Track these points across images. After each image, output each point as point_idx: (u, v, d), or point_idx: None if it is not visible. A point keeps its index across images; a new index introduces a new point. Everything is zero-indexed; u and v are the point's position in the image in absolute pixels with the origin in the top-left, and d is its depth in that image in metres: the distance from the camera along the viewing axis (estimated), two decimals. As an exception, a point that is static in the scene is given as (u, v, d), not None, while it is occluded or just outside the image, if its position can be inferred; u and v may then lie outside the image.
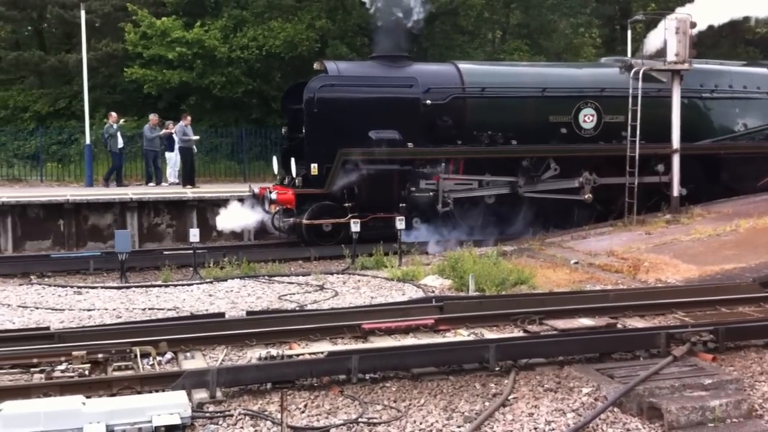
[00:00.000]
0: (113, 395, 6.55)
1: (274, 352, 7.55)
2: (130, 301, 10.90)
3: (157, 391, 6.63)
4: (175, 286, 11.90)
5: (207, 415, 6.23)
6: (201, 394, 6.53)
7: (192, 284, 11.99)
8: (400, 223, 13.90)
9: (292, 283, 12.12)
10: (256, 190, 15.97)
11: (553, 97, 16.49)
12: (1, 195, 17.21)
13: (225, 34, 26.04)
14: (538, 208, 16.37)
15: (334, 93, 15.06)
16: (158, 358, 7.65)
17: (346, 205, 14.89)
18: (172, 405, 6.01)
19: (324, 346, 8.07)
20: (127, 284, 12.07)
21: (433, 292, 11.19)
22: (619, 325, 8.86)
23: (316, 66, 16.59)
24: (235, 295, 11.17)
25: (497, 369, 7.16)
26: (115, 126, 20.80)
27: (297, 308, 10.28)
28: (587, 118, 16.64)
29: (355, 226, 13.74)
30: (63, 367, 7.24)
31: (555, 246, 14.60)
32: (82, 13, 22.83)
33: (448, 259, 12.24)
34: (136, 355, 7.54)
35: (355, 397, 6.61)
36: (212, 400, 6.47)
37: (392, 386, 6.85)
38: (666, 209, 16.51)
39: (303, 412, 6.33)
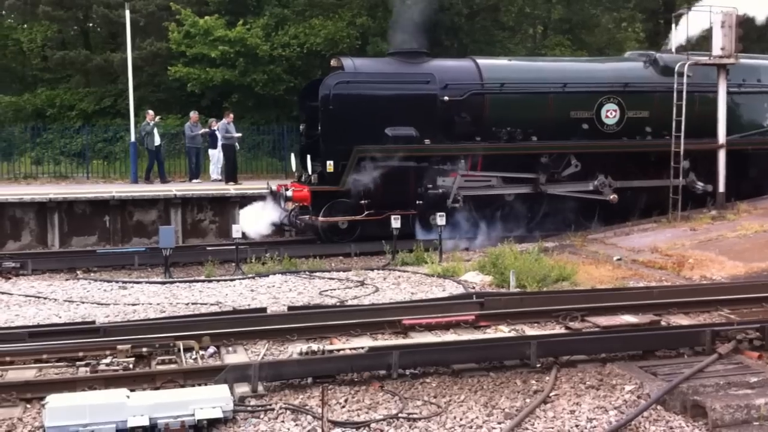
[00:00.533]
0: (157, 389, 6.66)
1: (315, 347, 7.62)
2: (174, 295, 11.05)
3: (199, 384, 6.70)
4: (218, 281, 12.04)
5: (248, 409, 6.29)
6: (243, 388, 6.59)
7: (234, 279, 12.12)
8: (441, 219, 13.83)
9: (333, 278, 12.17)
10: (274, 188, 15.86)
11: (574, 92, 16.03)
12: (48, 191, 17.55)
13: (267, 32, 26.22)
14: (559, 206, 16.03)
15: (350, 90, 14.89)
16: (201, 352, 7.75)
17: (362, 202, 14.71)
18: (215, 399, 6.09)
19: (364, 342, 8.11)
20: (170, 279, 12.21)
21: (474, 288, 11.16)
22: (663, 323, 8.75)
23: (332, 63, 16.43)
24: (276, 291, 11.26)
25: (538, 366, 7.12)
26: (151, 124, 21.01)
27: (338, 304, 10.31)
28: (610, 114, 16.21)
29: (396, 222, 13.73)
30: (108, 360, 7.36)
31: (597, 242, 14.45)
32: (127, 12, 23.16)
33: (489, 255, 12.18)
34: (179, 349, 7.65)
35: (395, 392, 6.61)
36: (254, 394, 6.53)
37: (432, 382, 6.85)
38: (711, 205, 16.22)
39: (343, 407, 6.35)
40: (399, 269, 12.84)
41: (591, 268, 12.04)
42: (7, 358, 7.45)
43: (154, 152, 21.11)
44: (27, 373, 7.23)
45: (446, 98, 15.28)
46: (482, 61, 16.42)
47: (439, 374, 7.01)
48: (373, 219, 14.65)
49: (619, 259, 12.76)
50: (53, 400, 5.96)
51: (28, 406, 6.40)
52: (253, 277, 12.22)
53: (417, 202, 14.93)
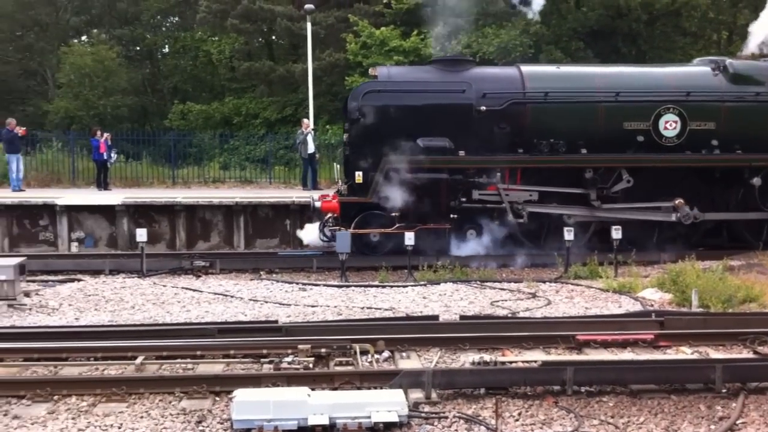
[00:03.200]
0: (335, 389, 6.90)
1: (487, 357, 7.61)
2: (350, 299, 11.40)
3: (374, 387, 6.91)
4: (391, 287, 12.29)
5: (422, 415, 6.39)
6: (416, 394, 6.71)
7: (407, 286, 12.34)
8: (616, 233, 13.45)
9: (504, 289, 12.12)
10: (316, 197, 15.44)
11: (628, 101, 14.76)
12: (234, 195, 18.58)
13: (440, 42, 26.48)
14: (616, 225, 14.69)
15: (380, 99, 14.45)
16: (376, 356, 7.96)
17: (393, 215, 14.16)
18: (390, 402, 6.24)
19: (537, 355, 8.03)
20: (346, 283, 12.62)
21: (652, 305, 10.76)
22: None
23: (371, 72, 16.05)
24: (448, 299, 11.36)
25: (724, 391, 6.78)
26: (305, 132, 21.51)
27: (509, 315, 10.27)
28: (669, 125, 14.76)
29: (569, 235, 13.48)
30: (290, 359, 7.71)
31: (789, 262, 13.53)
32: (308, 25, 24.14)
33: (669, 272, 11.70)
34: (355, 352, 7.90)
35: (570, 409, 6.51)
36: (427, 401, 6.63)
37: (609, 401, 6.68)
38: None
39: (517, 420, 6.32)
40: (572, 282, 12.60)
41: (782, 290, 11.28)
42: (198, 352, 7.98)
43: (308, 160, 21.70)
44: (216, 367, 7.71)
45: (483, 108, 14.46)
46: (527, 69, 15.36)
47: (616, 393, 6.83)
48: (401, 232, 13.95)
49: (814, 281, 11.89)
50: (240, 394, 6.31)
51: (217, 398, 6.81)
52: (425, 285, 12.39)
53: (451, 215, 14.29)
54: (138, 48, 38.65)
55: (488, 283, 12.50)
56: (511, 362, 7.73)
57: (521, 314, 10.33)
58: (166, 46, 38.61)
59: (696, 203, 14.84)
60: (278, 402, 6.16)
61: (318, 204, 14.68)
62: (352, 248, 13.50)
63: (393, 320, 9.62)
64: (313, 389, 6.59)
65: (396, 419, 6.13)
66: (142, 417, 6.41)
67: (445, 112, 14.50)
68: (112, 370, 7.64)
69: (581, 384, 6.87)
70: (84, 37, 39.27)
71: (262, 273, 13.53)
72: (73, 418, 6.34)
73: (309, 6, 24.12)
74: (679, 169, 14.92)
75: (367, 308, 10.71)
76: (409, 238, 13.26)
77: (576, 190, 14.77)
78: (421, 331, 8.70)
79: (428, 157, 14.26)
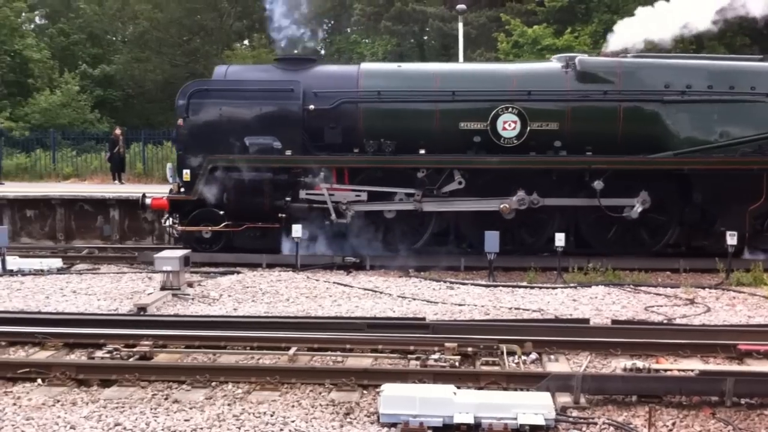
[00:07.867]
0: (480, 388, 6.89)
1: (640, 364, 7.36)
2: (497, 299, 11.32)
3: (520, 389, 6.84)
4: (540, 288, 12.11)
5: (570, 419, 6.26)
6: (564, 398, 6.58)
7: (556, 287, 12.12)
8: (731, 239, 12.68)
9: (660, 294, 11.68)
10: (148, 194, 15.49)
11: (463, 101, 14.06)
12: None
13: (594, 40, 25.83)
14: (447, 224, 14.45)
15: (208, 98, 14.42)
16: (523, 358, 7.89)
17: (221, 213, 14.23)
18: (537, 405, 6.15)
19: (694, 364, 7.69)
20: (494, 283, 12.55)
21: (824, 316, 10.07)
22: None
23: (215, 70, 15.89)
24: (599, 302, 11.06)
25: None
26: None
27: (665, 321, 9.88)
28: (508, 126, 13.93)
29: (732, 239, 12.81)
30: (436, 356, 7.76)
31: None
32: (460, 25, 24.18)
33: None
34: (502, 352, 7.85)
35: (728, 421, 6.20)
36: (575, 406, 6.49)
37: (772, 415, 6.31)
38: None
39: (670, 430, 6.09)
40: (734, 289, 11.97)
41: None
42: (348, 346, 8.18)
43: None
44: (364, 361, 7.87)
45: (312, 107, 14.19)
46: (364, 67, 15.02)
47: (779, 407, 6.44)
48: (227, 230, 14.22)
49: None
50: (388, 389, 6.40)
51: (365, 392, 6.94)
52: (575, 287, 12.12)
53: (279, 215, 14.06)
54: (295, 51, 39.93)
55: (642, 288, 12.09)
56: (666, 370, 7.44)
57: (678, 321, 9.92)
58: (322, 48, 39.73)
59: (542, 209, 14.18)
60: (424, 398, 6.20)
61: (148, 201, 14.86)
62: (185, 243, 14.17)
63: (541, 322, 9.51)
64: (458, 387, 6.59)
65: (543, 422, 6.03)
66: (293, 406, 6.64)
67: (273, 112, 14.41)
68: (267, 359, 7.96)
69: (741, 396, 6.53)
70: (246, 41, 41.11)
71: (410, 270, 13.68)
72: (228, 405, 6.66)
73: (461, 6, 24.15)
74: (517, 171, 14.12)
75: (515, 309, 10.61)
76: (560, 239, 13.02)
77: (406, 190, 14.25)
78: (570, 334, 8.52)
79: (250, 156, 14.21)
